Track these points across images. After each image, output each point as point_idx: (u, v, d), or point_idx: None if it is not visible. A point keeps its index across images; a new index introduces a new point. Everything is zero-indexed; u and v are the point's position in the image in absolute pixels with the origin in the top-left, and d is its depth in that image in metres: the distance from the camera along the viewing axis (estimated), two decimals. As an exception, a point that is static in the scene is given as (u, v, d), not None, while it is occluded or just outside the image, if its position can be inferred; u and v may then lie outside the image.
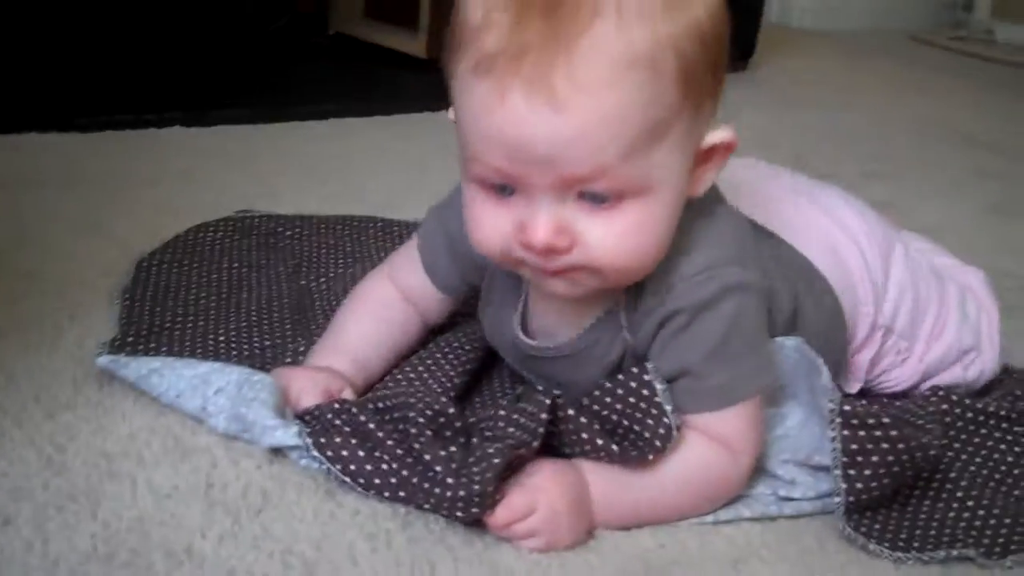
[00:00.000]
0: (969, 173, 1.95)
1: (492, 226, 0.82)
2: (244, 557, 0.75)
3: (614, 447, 0.83)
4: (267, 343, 1.04)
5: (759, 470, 0.90)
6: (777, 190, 1.06)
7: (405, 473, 0.81)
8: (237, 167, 1.59)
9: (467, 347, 1.02)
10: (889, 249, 1.04)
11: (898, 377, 1.06)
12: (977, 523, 0.87)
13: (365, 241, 1.34)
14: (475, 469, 0.78)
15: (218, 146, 1.68)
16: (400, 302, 1.02)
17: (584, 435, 0.83)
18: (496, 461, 0.78)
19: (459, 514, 0.78)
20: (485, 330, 1.00)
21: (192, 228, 1.29)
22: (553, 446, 0.85)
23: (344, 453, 0.83)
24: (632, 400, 0.84)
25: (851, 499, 0.84)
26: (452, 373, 0.99)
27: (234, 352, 1.02)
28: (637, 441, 0.83)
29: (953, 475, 0.93)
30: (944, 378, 1.06)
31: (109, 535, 0.76)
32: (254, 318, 1.09)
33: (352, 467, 0.82)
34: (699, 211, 0.87)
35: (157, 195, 1.43)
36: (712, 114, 0.82)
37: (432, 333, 1.04)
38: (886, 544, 0.83)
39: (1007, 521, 0.87)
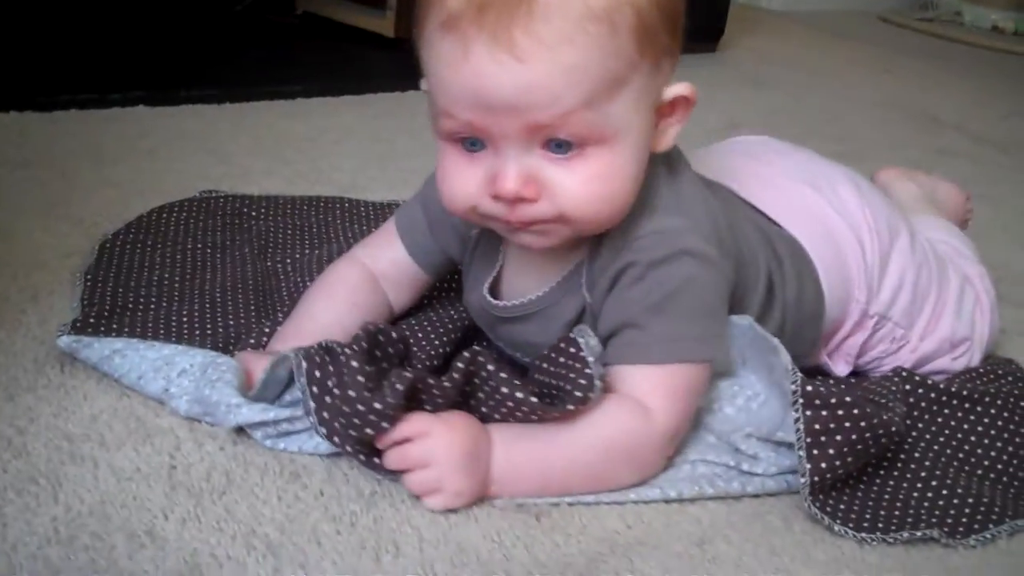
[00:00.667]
0: (935, 153, 1.96)
1: (462, 181, 0.84)
2: (207, 539, 0.75)
3: (533, 399, 0.82)
4: (231, 324, 1.03)
5: (723, 444, 0.90)
6: (781, 172, 1.07)
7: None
8: (202, 147, 1.57)
9: (448, 324, 1.03)
10: (893, 238, 1.06)
11: (892, 365, 1.07)
12: (941, 503, 0.88)
13: (332, 222, 1.33)
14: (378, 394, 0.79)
15: (183, 126, 1.66)
16: (371, 285, 1.02)
17: (504, 390, 0.82)
18: (398, 387, 0.78)
19: (360, 426, 0.79)
20: (464, 297, 1.02)
21: (156, 208, 1.27)
22: (472, 408, 0.85)
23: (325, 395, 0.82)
24: (557, 356, 0.85)
25: (815, 478, 0.84)
26: (437, 343, 1.00)
27: (197, 334, 1.01)
28: (559, 395, 0.84)
29: (917, 455, 0.93)
30: (939, 364, 1.08)
31: (70, 518, 0.75)
32: (218, 299, 1.08)
33: (325, 414, 0.81)
34: (665, 176, 0.90)
35: (120, 175, 1.41)
36: (671, 73, 0.85)
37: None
38: (850, 525, 0.84)
39: (970, 501, 0.88)
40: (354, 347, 0.82)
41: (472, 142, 0.82)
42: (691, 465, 0.89)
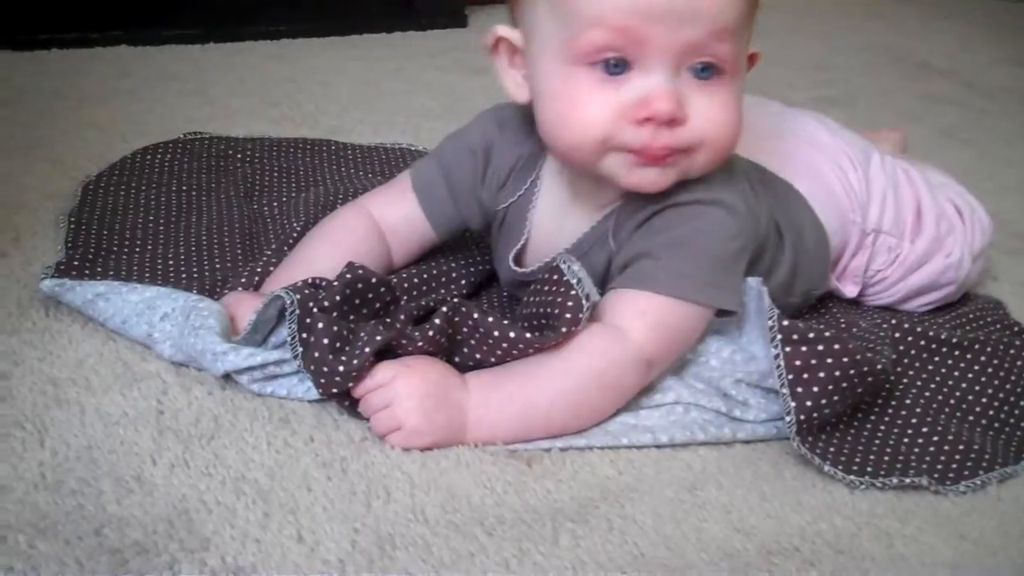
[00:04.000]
0: (922, 99, 1.95)
1: (599, 107, 0.83)
2: (196, 485, 0.74)
3: (527, 335, 0.82)
4: (217, 268, 1.02)
5: (712, 390, 0.90)
6: (761, 122, 1.08)
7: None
8: (186, 88, 1.55)
9: (442, 278, 1.03)
10: (867, 160, 1.09)
11: (891, 275, 1.09)
12: (931, 449, 0.88)
13: (318, 164, 1.31)
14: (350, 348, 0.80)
15: (167, 66, 1.64)
16: (376, 237, 1.00)
17: (496, 333, 0.83)
18: (366, 350, 0.79)
19: (326, 386, 0.80)
20: (496, 266, 1.03)
21: (140, 150, 1.26)
22: (464, 357, 0.85)
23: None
24: (543, 287, 0.86)
25: (801, 417, 0.83)
26: (428, 292, 1.00)
27: (183, 276, 1.00)
28: (550, 323, 0.84)
29: (908, 402, 0.93)
30: (933, 268, 1.10)
31: (57, 463, 0.75)
32: (204, 242, 1.06)
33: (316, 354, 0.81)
34: None
35: (103, 117, 1.39)
36: None
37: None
38: (840, 467, 0.84)
39: (960, 448, 0.88)
40: (325, 302, 0.82)
41: (616, 63, 0.81)
42: (684, 408, 0.88)
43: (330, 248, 0.97)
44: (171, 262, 1.02)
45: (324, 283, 0.86)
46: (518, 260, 0.98)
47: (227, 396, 0.84)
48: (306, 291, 0.84)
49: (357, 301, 0.85)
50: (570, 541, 0.74)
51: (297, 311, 0.82)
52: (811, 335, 0.84)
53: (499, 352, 0.83)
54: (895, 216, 1.08)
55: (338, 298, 0.83)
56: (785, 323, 0.85)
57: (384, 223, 1.00)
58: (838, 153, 1.07)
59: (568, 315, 0.82)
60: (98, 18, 1.78)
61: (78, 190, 1.15)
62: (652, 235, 0.88)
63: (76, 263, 0.98)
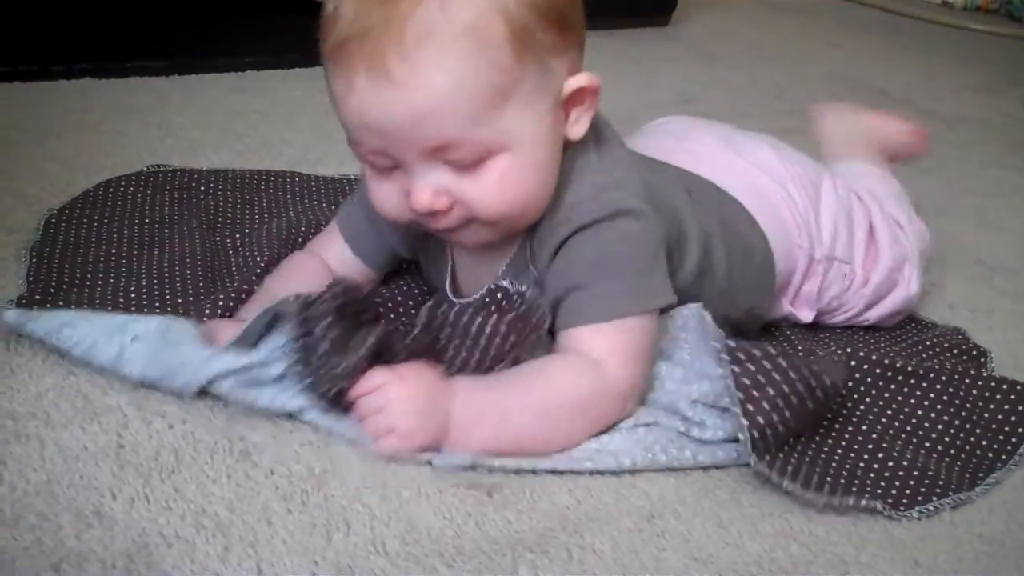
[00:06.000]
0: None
1: (385, 196, 0.89)
2: (156, 519, 0.74)
3: (502, 325, 0.87)
4: (179, 300, 1.02)
5: (670, 412, 0.91)
6: (703, 141, 1.13)
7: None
8: (150, 120, 1.55)
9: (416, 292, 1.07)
10: (817, 186, 1.11)
11: (850, 303, 1.13)
12: (886, 475, 0.89)
13: (282, 196, 1.31)
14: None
15: (130, 99, 1.64)
16: (328, 271, 1.02)
17: (474, 328, 0.87)
18: (361, 352, 0.82)
19: (325, 381, 0.83)
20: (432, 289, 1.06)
21: (102, 183, 1.26)
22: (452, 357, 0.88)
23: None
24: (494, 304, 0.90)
25: (755, 433, 0.85)
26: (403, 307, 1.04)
27: (145, 307, 1.00)
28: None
29: (864, 428, 0.95)
30: (894, 301, 1.14)
31: (16, 498, 0.75)
32: (167, 274, 1.06)
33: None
34: (593, 143, 0.92)
35: (66, 149, 1.39)
36: (577, 60, 0.88)
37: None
38: (799, 484, 0.85)
39: (915, 474, 0.89)
40: (322, 309, 0.84)
41: (383, 161, 0.86)
42: (645, 430, 0.90)
43: (292, 281, 0.98)
44: (133, 294, 1.02)
45: (316, 296, 0.87)
46: (455, 289, 1.00)
47: (188, 429, 0.84)
48: (303, 301, 0.86)
49: (350, 312, 0.87)
50: (529, 571, 0.75)
51: (298, 315, 0.84)
52: (757, 353, 0.86)
53: (482, 346, 0.87)
54: (848, 242, 1.10)
55: (335, 306, 0.85)
56: (732, 343, 0.87)
57: (331, 264, 1.03)
58: (786, 179, 1.10)
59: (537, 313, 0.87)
60: (61, 50, 1.78)
61: (40, 224, 1.15)
62: (571, 265, 0.90)
63: (39, 296, 0.99)
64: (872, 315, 1.14)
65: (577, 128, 0.90)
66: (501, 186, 0.85)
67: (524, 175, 0.86)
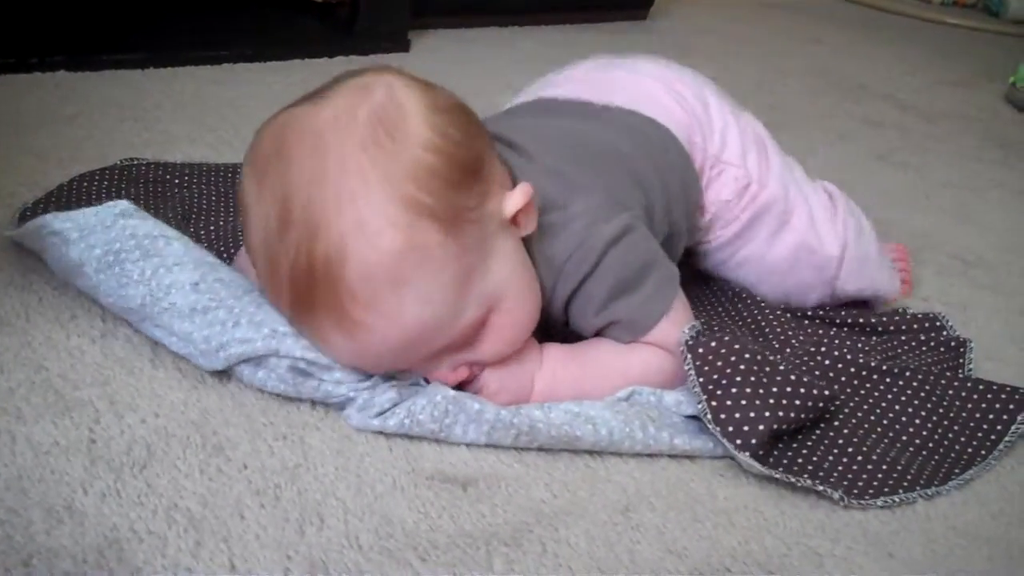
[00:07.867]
0: (861, 123, 1.98)
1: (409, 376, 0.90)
2: (127, 514, 0.74)
3: None
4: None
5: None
6: (587, 73, 1.15)
7: None
8: (126, 113, 1.54)
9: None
10: (700, 88, 1.14)
11: (743, 216, 1.12)
12: (854, 467, 0.89)
13: (257, 190, 1.31)
14: None
15: (107, 92, 1.63)
16: None
17: None
18: None
19: None
20: None
21: (76, 177, 1.24)
22: None
23: None
24: None
25: (722, 415, 0.86)
26: None
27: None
28: None
29: (836, 424, 0.94)
30: (787, 244, 1.13)
31: (-15, 493, 0.74)
32: (141, 269, 1.06)
33: None
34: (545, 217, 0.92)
35: (40, 143, 1.38)
36: (500, 181, 0.88)
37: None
38: (757, 460, 0.86)
39: (884, 467, 0.90)
40: None
41: None
42: (627, 404, 0.91)
43: None
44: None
45: None
46: None
47: (160, 424, 0.83)
48: None
49: None
50: (504, 565, 0.74)
51: None
52: (713, 343, 0.90)
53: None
54: (740, 149, 1.11)
55: None
56: (689, 341, 0.90)
57: None
58: (673, 81, 1.13)
59: None
60: (38, 43, 1.77)
61: (14, 217, 1.14)
62: (591, 305, 0.93)
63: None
64: (774, 254, 1.13)
65: (529, 226, 0.89)
66: (504, 334, 0.88)
67: (519, 311, 0.88)
